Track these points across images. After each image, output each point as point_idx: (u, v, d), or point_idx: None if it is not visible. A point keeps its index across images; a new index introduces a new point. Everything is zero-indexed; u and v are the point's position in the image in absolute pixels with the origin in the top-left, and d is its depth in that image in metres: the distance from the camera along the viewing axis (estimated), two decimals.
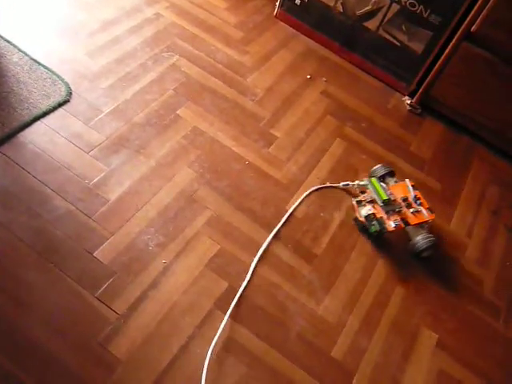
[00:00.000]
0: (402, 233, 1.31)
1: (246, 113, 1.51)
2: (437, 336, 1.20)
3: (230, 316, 1.09)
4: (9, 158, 1.19)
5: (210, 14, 1.77)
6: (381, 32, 1.67)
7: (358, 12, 1.68)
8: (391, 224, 1.25)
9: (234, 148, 1.41)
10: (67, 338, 0.98)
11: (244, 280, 1.15)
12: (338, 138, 1.54)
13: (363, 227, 1.31)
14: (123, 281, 1.08)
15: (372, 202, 1.29)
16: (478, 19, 1.43)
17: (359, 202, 1.31)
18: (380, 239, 1.32)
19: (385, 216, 1.26)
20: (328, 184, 1.40)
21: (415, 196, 1.31)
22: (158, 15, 1.69)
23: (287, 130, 1.51)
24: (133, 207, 1.21)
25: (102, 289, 1.06)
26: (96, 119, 1.34)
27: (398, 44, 1.66)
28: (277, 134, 1.49)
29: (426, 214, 1.28)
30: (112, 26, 1.59)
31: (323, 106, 1.62)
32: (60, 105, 1.33)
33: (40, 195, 1.16)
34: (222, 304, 1.10)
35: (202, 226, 1.22)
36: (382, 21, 1.65)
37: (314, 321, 1.14)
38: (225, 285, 1.14)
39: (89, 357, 0.97)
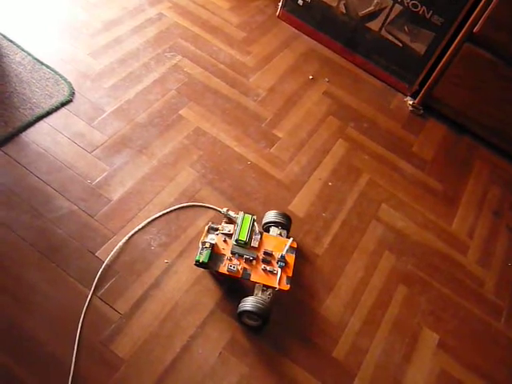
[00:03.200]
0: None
1: (248, 113, 1.51)
2: (438, 336, 1.20)
3: (232, 316, 1.09)
4: (12, 157, 1.20)
5: (212, 15, 1.77)
6: (383, 33, 1.67)
7: (361, 13, 1.68)
8: (226, 266, 1.07)
9: (236, 148, 1.41)
10: (70, 337, 0.98)
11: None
12: (340, 139, 1.54)
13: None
14: (125, 280, 1.09)
15: (228, 235, 1.12)
16: (481, 20, 1.43)
17: (213, 229, 1.13)
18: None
19: (228, 255, 1.09)
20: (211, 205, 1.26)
21: (283, 257, 1.10)
22: (160, 15, 1.69)
23: (289, 130, 1.51)
24: (135, 207, 1.21)
25: (104, 288, 1.06)
26: (99, 119, 1.34)
27: (400, 45, 1.66)
28: (279, 134, 1.49)
29: (277, 281, 1.07)
30: (115, 26, 1.60)
31: (325, 107, 1.62)
32: (63, 104, 1.33)
33: (42, 195, 1.16)
34: (223, 304, 1.11)
35: (205, 226, 1.22)
36: (385, 21, 1.65)
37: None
38: (227, 285, 1.14)
39: (91, 356, 0.97)
